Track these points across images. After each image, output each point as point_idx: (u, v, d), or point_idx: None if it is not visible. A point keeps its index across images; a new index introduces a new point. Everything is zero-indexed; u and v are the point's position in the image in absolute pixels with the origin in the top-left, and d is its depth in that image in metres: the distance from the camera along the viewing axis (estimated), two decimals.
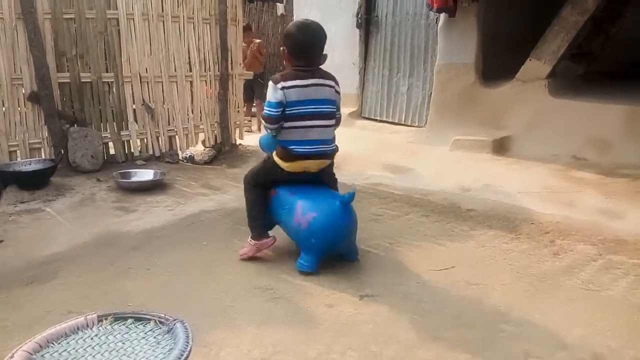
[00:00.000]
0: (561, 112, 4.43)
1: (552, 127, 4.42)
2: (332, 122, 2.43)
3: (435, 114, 5.29)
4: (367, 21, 6.21)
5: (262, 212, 2.53)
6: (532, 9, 5.26)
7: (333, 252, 2.42)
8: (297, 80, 2.29)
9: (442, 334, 1.88)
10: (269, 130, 2.43)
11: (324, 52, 2.41)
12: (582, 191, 3.54)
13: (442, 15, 5.07)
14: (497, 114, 4.81)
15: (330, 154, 2.45)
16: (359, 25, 6.29)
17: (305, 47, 2.33)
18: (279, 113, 2.30)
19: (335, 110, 2.43)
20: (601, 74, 5.75)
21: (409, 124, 5.87)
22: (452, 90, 5.10)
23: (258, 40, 7.50)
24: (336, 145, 2.49)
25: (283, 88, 2.27)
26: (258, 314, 2.02)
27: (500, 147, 4.61)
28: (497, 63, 5.02)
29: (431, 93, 5.42)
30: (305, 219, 2.32)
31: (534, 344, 1.82)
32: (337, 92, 2.43)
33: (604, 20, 5.01)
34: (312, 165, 2.41)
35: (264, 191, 2.53)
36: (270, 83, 2.33)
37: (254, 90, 7.00)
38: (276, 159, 2.40)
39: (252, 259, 2.55)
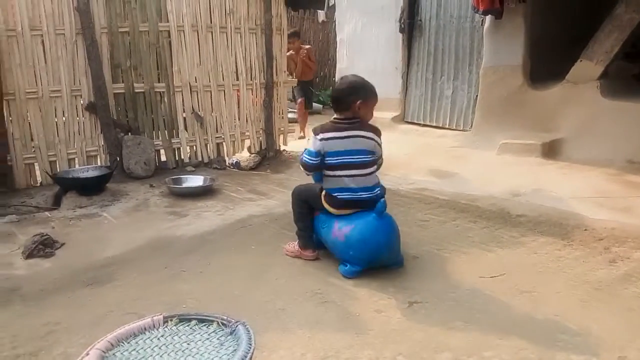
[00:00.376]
0: (615, 114, 4.27)
1: (605, 130, 4.26)
2: (372, 169, 2.53)
3: (482, 117, 5.20)
4: (410, 25, 6.19)
5: (308, 227, 2.68)
6: (582, 8, 5.10)
7: (378, 263, 2.43)
8: (335, 132, 2.48)
9: (495, 342, 1.86)
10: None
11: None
12: (638, 196, 3.40)
13: (488, 17, 4.99)
14: (546, 116, 4.69)
15: (372, 201, 2.45)
16: (401, 30, 6.28)
17: (337, 99, 2.54)
18: (316, 162, 2.50)
19: (375, 158, 2.54)
20: None
21: (454, 127, 5.79)
22: (499, 93, 5.00)
23: (307, 46, 7.28)
24: (380, 189, 2.55)
25: (322, 140, 2.47)
26: (309, 318, 2.05)
27: (550, 150, 4.49)
28: (546, 65, 4.89)
29: (477, 96, 5.34)
30: (342, 233, 2.43)
31: (592, 355, 1.77)
32: (378, 144, 2.55)
33: None
34: (357, 209, 2.50)
35: (312, 211, 2.68)
36: (311, 133, 2.56)
37: (307, 95, 7.01)
38: (325, 204, 2.55)
39: (300, 262, 2.62)
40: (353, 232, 2.39)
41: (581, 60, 4.54)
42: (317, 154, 2.48)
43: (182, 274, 2.54)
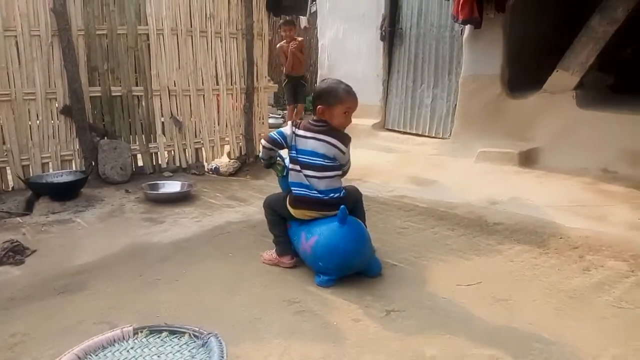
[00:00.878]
0: (590, 123, 4.36)
1: (581, 140, 4.34)
2: (329, 173, 2.50)
3: (461, 125, 5.26)
4: (391, 34, 6.24)
5: (282, 232, 2.67)
6: (560, 19, 5.21)
7: (348, 271, 2.40)
8: (306, 132, 2.51)
9: (471, 352, 1.86)
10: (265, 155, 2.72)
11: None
12: (612, 205, 3.47)
13: (467, 27, 5.06)
14: (524, 125, 4.76)
15: (332, 204, 2.46)
16: (382, 38, 6.31)
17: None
18: (278, 140, 2.56)
19: (334, 164, 2.51)
20: (632, 84, 5.64)
21: (433, 135, 5.84)
22: (478, 102, 5.07)
23: (299, 39, 6.76)
24: (341, 195, 2.52)
25: (294, 132, 2.53)
26: (285, 327, 2.03)
27: (527, 159, 4.55)
28: (524, 74, 4.97)
29: (456, 104, 5.39)
30: (309, 245, 2.42)
31: None
32: (342, 152, 2.51)
33: (634, 30, 4.92)
34: (317, 214, 2.50)
35: (281, 217, 2.68)
36: (290, 123, 2.64)
37: (297, 93, 6.75)
38: (288, 206, 2.57)
39: (278, 270, 2.59)
40: (318, 242, 2.37)
41: (557, 71, 4.63)
42: (284, 137, 2.55)
43: (157, 283, 2.49)
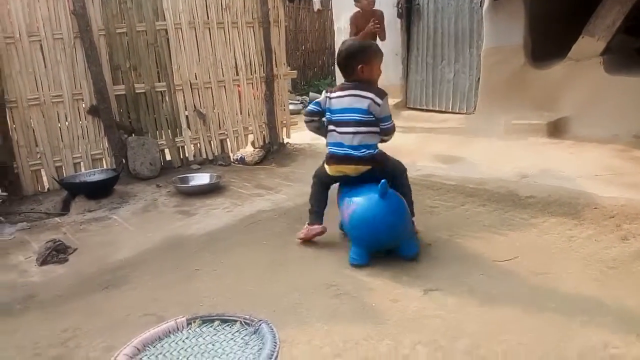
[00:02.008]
0: (619, 89, 4.24)
1: (611, 106, 4.23)
2: (367, 129, 2.57)
3: (485, 99, 5.17)
4: (408, 10, 6.13)
5: (319, 202, 2.77)
6: None
7: (380, 245, 2.43)
8: (340, 92, 2.64)
9: (513, 326, 1.86)
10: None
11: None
12: None
13: None
14: (550, 95, 4.65)
15: (363, 159, 2.56)
16: (400, 15, 6.21)
17: (339, 66, 2.69)
18: (315, 109, 2.76)
19: (369, 119, 2.57)
20: None
21: (457, 111, 5.76)
22: (501, 74, 4.96)
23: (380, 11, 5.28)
24: (373, 152, 2.58)
25: (327, 96, 2.68)
26: (325, 311, 2.06)
27: (556, 129, 4.46)
28: (548, 43, 4.84)
29: (479, 79, 5.30)
30: (348, 212, 2.47)
31: (611, 334, 1.77)
32: (377, 104, 2.55)
33: None
34: (348, 170, 2.61)
35: (325, 185, 2.77)
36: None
37: None
38: (325, 164, 2.71)
39: (312, 255, 2.62)
40: (355, 211, 2.41)
41: (583, 37, 4.50)
42: (318, 104, 2.74)
43: (195, 274, 2.55)
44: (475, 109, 5.40)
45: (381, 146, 2.70)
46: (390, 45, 6.37)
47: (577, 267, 2.29)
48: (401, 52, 6.33)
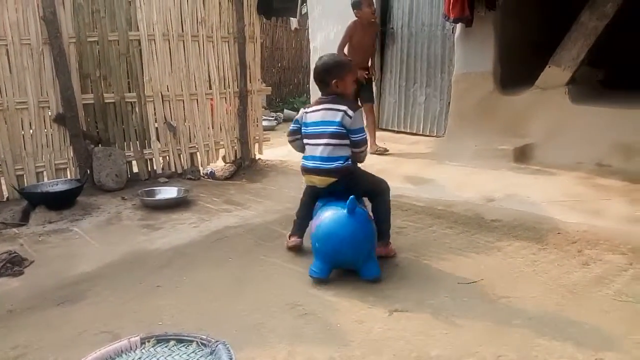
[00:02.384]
0: (583, 118, 4.39)
1: (575, 134, 4.37)
2: (337, 141, 2.61)
3: (454, 123, 5.27)
4: (383, 33, 6.24)
5: (302, 214, 2.85)
6: (550, 15, 5.23)
7: (340, 261, 2.41)
8: (315, 106, 2.73)
9: (474, 350, 1.86)
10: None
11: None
12: (608, 199, 3.49)
13: (459, 25, 5.07)
14: (518, 122, 4.78)
15: (330, 171, 2.61)
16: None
17: (316, 80, 2.76)
18: (294, 127, 2.83)
19: (341, 130, 2.61)
20: (622, 78, 5.68)
21: (428, 134, 5.86)
22: (471, 99, 5.08)
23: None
24: (341, 164, 2.60)
25: (304, 112, 2.77)
26: (289, 331, 2.02)
27: (522, 155, 4.57)
28: (516, 71, 4.99)
29: (449, 103, 5.41)
30: (315, 224, 2.49)
31: (569, 359, 1.79)
32: (349, 116, 2.59)
33: (624, 24, 4.96)
34: (317, 180, 2.69)
35: (310, 197, 2.84)
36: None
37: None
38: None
39: (279, 273, 2.59)
40: (321, 224, 2.43)
41: (549, 66, 4.66)
42: (297, 121, 2.80)
43: (157, 290, 2.48)
44: (445, 132, 5.49)
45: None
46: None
47: (540, 291, 2.32)
48: (375, 74, 6.40)
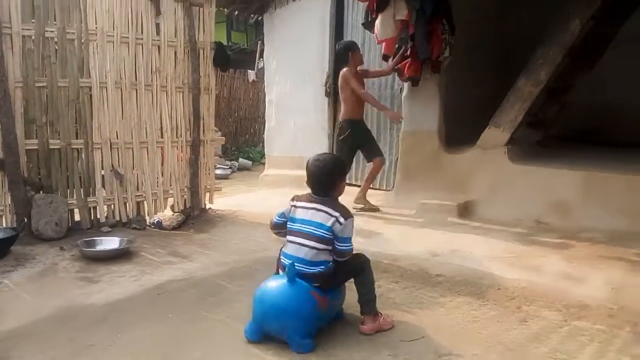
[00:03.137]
0: (521, 177, 4.62)
1: (514, 192, 4.58)
2: (324, 246, 2.45)
3: (402, 178, 5.42)
4: (336, 90, 6.44)
5: None
6: (491, 78, 5.59)
7: (263, 325, 2.35)
8: (306, 203, 2.55)
9: None
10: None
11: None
12: (545, 256, 3.64)
13: (406, 85, 5.32)
14: (461, 179, 4.97)
15: (314, 275, 2.42)
16: (327, 94, 6.55)
17: (309, 180, 2.58)
18: (279, 221, 2.62)
19: (326, 236, 2.45)
20: (557, 139, 6.08)
21: (377, 187, 5.99)
22: (418, 156, 5.27)
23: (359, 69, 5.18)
24: (323, 270, 2.44)
25: (292, 205, 2.58)
26: None
27: (466, 211, 4.74)
28: (461, 130, 5.24)
29: (397, 158, 5.58)
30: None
31: None
32: (340, 223, 2.45)
33: (557, 90, 5.35)
34: None
35: None
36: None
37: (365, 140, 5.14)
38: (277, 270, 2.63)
39: (222, 332, 2.51)
40: (261, 285, 2.42)
41: (490, 127, 4.92)
42: (282, 215, 2.61)
43: (89, 349, 2.35)
44: (394, 186, 5.64)
45: None
46: (317, 120, 6.66)
47: (479, 349, 2.35)
48: (327, 128, 6.59)
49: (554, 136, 6.05)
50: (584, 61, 5.16)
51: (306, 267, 2.42)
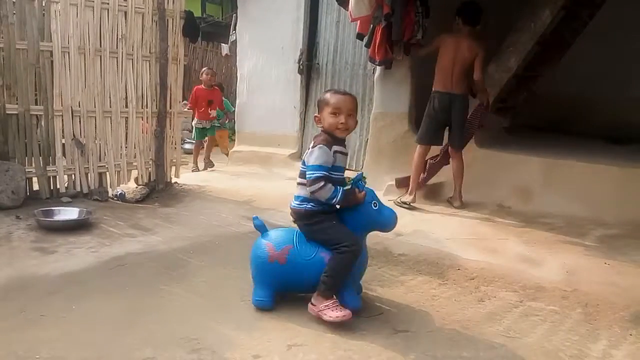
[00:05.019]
0: (487, 161, 4.70)
1: (479, 176, 4.66)
2: (299, 179, 2.47)
3: (372, 159, 5.44)
4: (309, 67, 6.40)
5: None
6: None
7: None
8: None
9: None
10: None
11: None
12: (505, 238, 3.72)
13: (379, 67, 5.29)
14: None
15: (291, 209, 2.49)
16: (300, 71, 6.47)
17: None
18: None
19: (302, 167, 2.43)
20: (524, 126, 6.19)
21: (347, 167, 5.97)
22: (387, 138, 5.28)
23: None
24: (296, 205, 2.45)
25: None
26: None
27: (432, 193, 4.79)
28: None
29: (367, 139, 5.59)
30: None
31: None
32: (308, 152, 2.42)
33: (526, 78, 5.44)
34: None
35: None
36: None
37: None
38: None
39: (177, 305, 2.48)
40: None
41: None
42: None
43: (40, 320, 2.28)
44: (363, 166, 5.65)
45: None
46: (289, 98, 6.58)
47: (435, 326, 2.40)
48: (299, 106, 6.53)
49: (521, 124, 6.17)
50: (554, 51, 5.25)
51: (293, 202, 2.48)
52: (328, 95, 2.46)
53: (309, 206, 2.42)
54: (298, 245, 2.40)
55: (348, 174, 2.58)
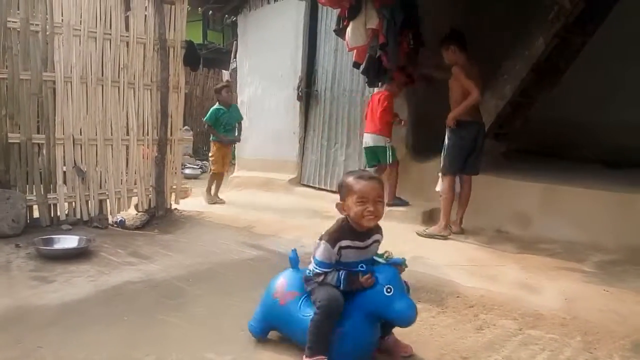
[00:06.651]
0: (485, 187, 4.71)
1: (478, 202, 4.66)
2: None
3: None
4: (308, 94, 6.49)
5: None
6: None
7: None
8: None
9: None
10: None
11: None
12: (504, 265, 3.71)
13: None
14: (426, 186, 5.02)
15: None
16: (299, 98, 6.56)
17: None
18: None
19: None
20: (521, 152, 6.23)
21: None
22: None
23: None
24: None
25: None
26: None
27: (430, 218, 4.80)
28: (427, 140, 5.31)
29: (366, 165, 5.62)
30: None
31: None
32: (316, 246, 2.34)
33: (522, 104, 5.50)
34: None
35: None
36: None
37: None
38: None
39: (176, 336, 2.46)
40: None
41: None
42: None
43: (37, 352, 2.26)
44: None
45: None
46: (289, 124, 6.66)
47: (434, 356, 2.38)
48: (299, 132, 6.59)
49: (517, 149, 6.20)
50: (548, 77, 5.32)
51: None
52: (352, 181, 2.27)
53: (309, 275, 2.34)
54: (305, 298, 2.31)
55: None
